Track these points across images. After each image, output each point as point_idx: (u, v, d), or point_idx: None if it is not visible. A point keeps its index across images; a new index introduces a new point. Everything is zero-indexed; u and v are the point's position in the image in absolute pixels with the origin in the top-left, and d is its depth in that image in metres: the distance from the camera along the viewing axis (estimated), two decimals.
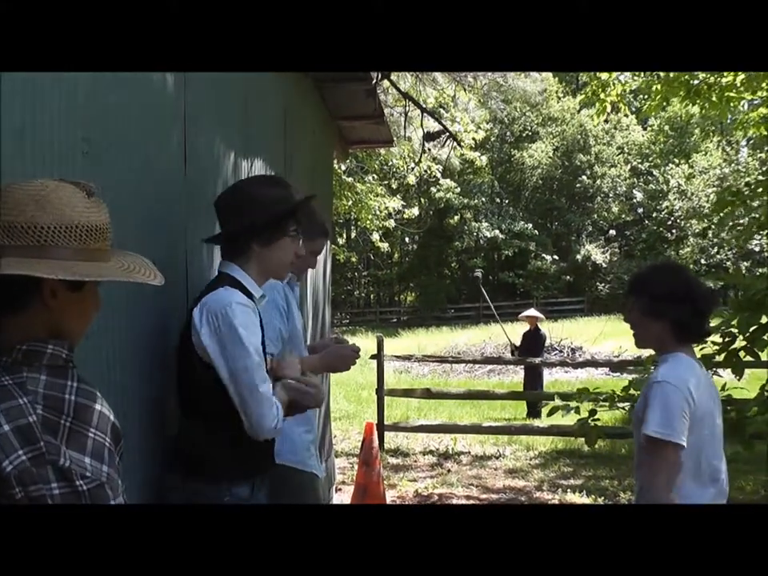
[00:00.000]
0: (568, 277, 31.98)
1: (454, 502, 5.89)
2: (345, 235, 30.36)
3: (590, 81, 8.64)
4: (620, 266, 30.56)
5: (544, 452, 7.77)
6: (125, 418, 1.22)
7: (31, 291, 1.11)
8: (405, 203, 16.44)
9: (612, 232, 33.60)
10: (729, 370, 4.01)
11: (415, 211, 16.89)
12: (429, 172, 13.43)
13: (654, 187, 32.02)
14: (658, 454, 1.98)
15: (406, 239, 33.93)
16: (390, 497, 5.82)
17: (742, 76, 6.40)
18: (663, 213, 31.02)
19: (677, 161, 31.33)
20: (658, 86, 6.90)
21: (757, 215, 5.22)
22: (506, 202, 34.37)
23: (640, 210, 33.42)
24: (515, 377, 13.63)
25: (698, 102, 6.78)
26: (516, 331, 11.25)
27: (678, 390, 1.99)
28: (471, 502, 5.91)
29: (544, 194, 33.91)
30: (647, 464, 2.03)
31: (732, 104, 6.83)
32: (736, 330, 3.91)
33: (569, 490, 6.18)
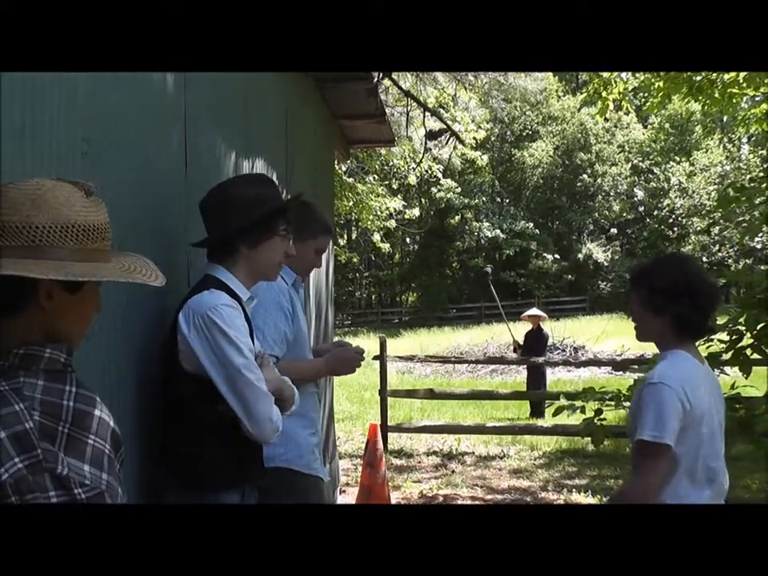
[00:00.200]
0: (569, 276, 31.98)
1: (459, 502, 5.88)
2: (346, 236, 30.37)
3: (591, 79, 8.64)
4: (621, 264, 30.55)
5: (548, 452, 7.75)
6: (119, 422, 1.19)
7: (27, 293, 1.08)
8: (406, 203, 16.43)
9: (613, 230, 33.61)
10: (736, 369, 3.99)
11: (416, 211, 16.86)
12: (430, 172, 13.43)
13: (655, 185, 32.03)
14: (649, 456, 1.96)
15: (407, 239, 33.94)
16: (395, 498, 5.81)
17: (744, 72, 6.38)
18: (664, 211, 31.04)
19: (678, 158, 31.35)
20: (660, 83, 6.88)
21: (758, 213, 5.19)
22: (507, 201, 34.38)
23: (641, 209, 33.42)
24: (518, 376, 13.62)
25: (700, 98, 6.76)
26: (518, 331, 11.24)
27: (673, 391, 1.95)
28: (476, 502, 5.89)
29: (545, 193, 33.92)
30: (638, 465, 2.00)
31: (734, 100, 6.82)
32: (743, 328, 3.87)
33: (574, 490, 6.16)
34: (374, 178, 13.44)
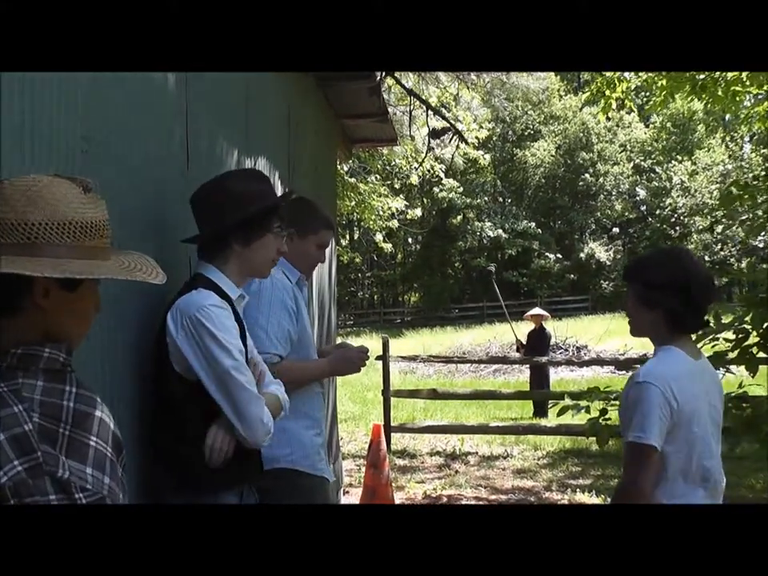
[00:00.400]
0: (572, 275, 31.98)
1: (464, 503, 5.87)
2: (348, 236, 30.39)
3: (593, 78, 8.62)
4: (624, 263, 30.51)
5: (552, 452, 7.74)
6: (119, 422, 1.17)
7: (24, 291, 1.05)
8: (408, 203, 16.43)
9: (615, 230, 33.59)
10: (742, 367, 3.96)
11: (418, 211, 16.87)
12: (432, 172, 13.43)
13: (656, 184, 32.01)
14: (636, 457, 1.93)
15: (410, 239, 33.96)
16: (399, 499, 5.80)
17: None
18: (666, 210, 31.01)
19: (680, 157, 31.32)
20: (663, 82, 6.87)
21: (761, 212, 5.18)
22: (509, 201, 34.38)
23: (643, 208, 33.40)
24: (521, 376, 13.62)
25: (703, 96, 6.75)
26: (521, 330, 11.23)
27: (658, 390, 1.91)
28: (480, 503, 5.88)
29: (547, 192, 33.90)
30: (626, 466, 1.98)
31: (738, 98, 6.80)
32: (749, 327, 3.84)
33: (578, 490, 6.15)
34: (376, 177, 13.45)
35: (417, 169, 12.89)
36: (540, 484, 6.48)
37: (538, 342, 10.12)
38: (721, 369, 4.07)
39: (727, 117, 28.56)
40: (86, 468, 1.02)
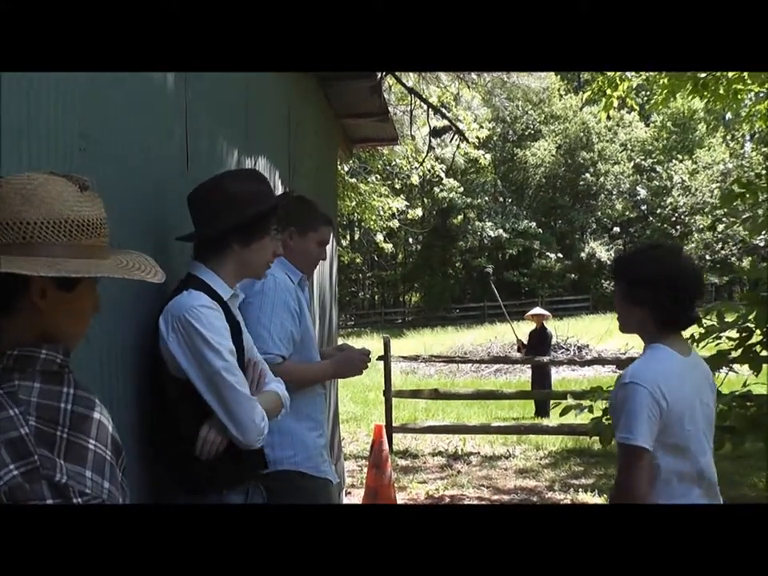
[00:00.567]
0: (573, 275, 31.97)
1: (466, 503, 5.86)
2: (348, 236, 30.39)
3: (594, 77, 8.61)
4: None
5: (554, 451, 7.73)
6: (118, 423, 1.16)
7: (20, 291, 1.04)
8: (408, 203, 16.43)
9: (616, 229, 33.58)
10: (746, 366, 3.95)
11: (419, 211, 16.86)
12: (432, 171, 13.42)
13: (657, 184, 32.00)
14: (626, 458, 1.92)
15: (410, 239, 33.96)
16: (401, 499, 5.79)
17: None
18: (667, 209, 31.01)
19: (680, 156, 31.31)
20: (665, 80, 6.86)
21: (761, 211, 5.17)
22: (510, 200, 34.37)
23: (644, 207, 33.40)
24: (522, 375, 13.61)
25: (705, 94, 6.73)
26: (522, 330, 11.22)
27: (645, 391, 1.88)
28: (483, 503, 5.88)
29: (547, 192, 33.90)
30: (619, 467, 1.97)
31: (739, 96, 6.79)
32: (753, 325, 3.83)
33: (580, 490, 6.14)
34: (376, 178, 13.45)
35: (417, 169, 12.88)
36: (542, 484, 6.48)
37: (539, 342, 10.11)
38: (724, 367, 4.05)
39: (728, 115, 28.55)
40: (86, 471, 1.00)
